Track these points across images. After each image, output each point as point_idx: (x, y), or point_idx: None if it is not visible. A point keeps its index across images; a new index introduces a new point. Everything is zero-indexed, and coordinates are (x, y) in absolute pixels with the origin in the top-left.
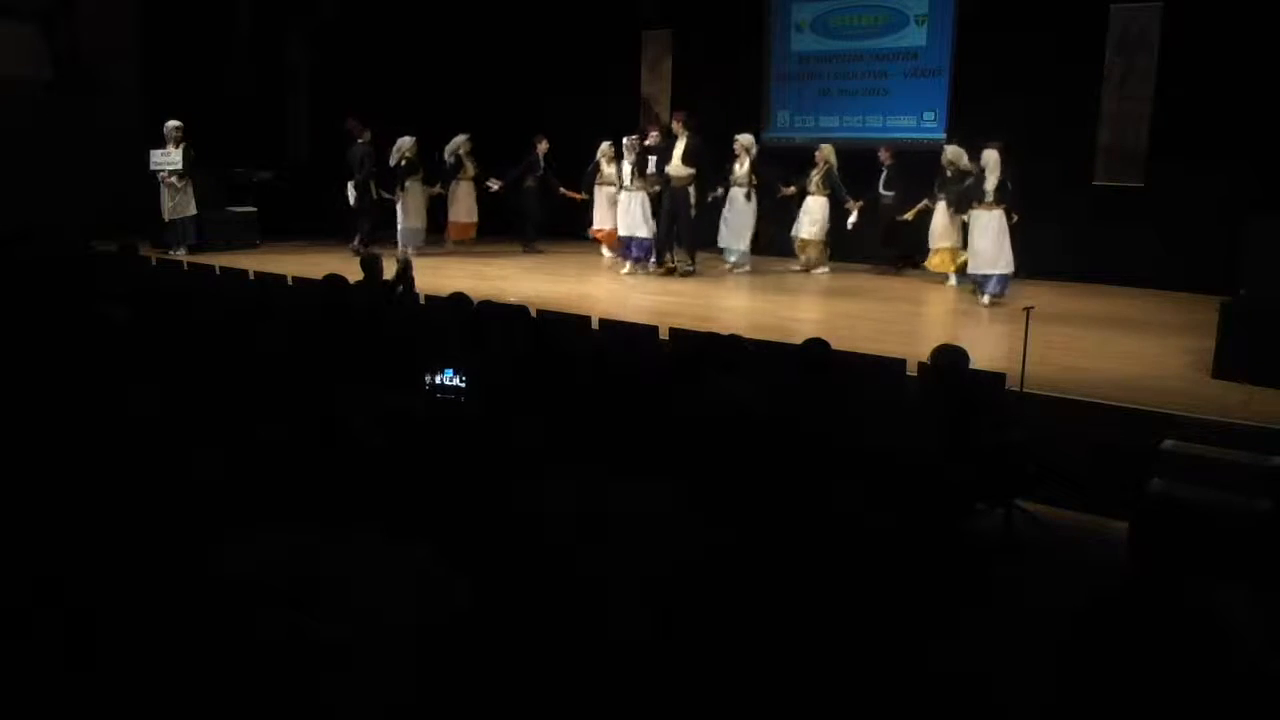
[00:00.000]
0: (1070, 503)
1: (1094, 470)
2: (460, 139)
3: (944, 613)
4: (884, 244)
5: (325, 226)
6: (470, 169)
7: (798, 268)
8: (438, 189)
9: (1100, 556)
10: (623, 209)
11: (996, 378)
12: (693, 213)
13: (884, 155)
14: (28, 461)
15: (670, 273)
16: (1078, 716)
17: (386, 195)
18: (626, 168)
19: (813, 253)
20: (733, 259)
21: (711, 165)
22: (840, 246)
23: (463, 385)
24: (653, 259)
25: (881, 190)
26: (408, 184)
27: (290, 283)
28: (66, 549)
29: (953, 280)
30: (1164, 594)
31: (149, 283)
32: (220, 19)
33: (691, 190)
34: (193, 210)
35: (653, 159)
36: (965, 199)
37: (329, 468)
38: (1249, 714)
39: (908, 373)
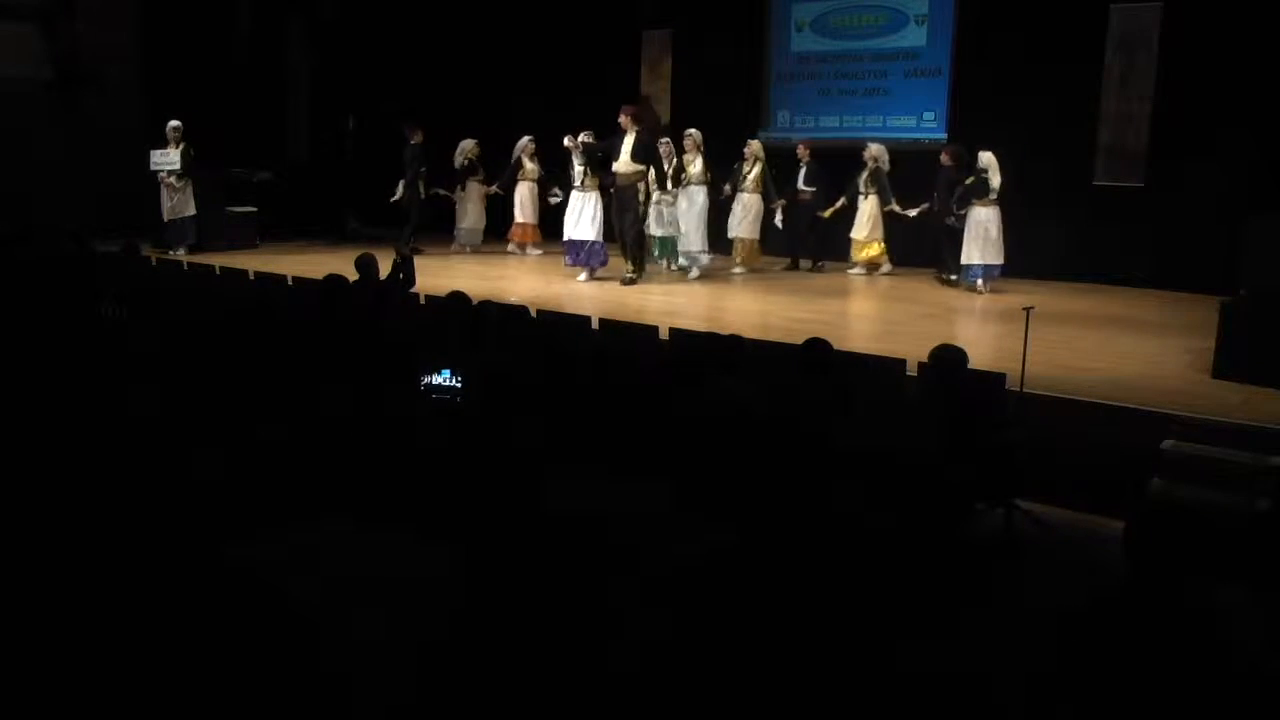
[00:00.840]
0: (1070, 503)
1: (1094, 470)
2: (524, 140)
3: (944, 613)
4: (802, 240)
5: (325, 227)
6: (532, 170)
7: (733, 270)
8: (495, 189)
9: (1100, 556)
10: (572, 210)
11: (996, 378)
12: (641, 211)
13: (801, 151)
14: (28, 460)
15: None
16: (1077, 717)
17: (443, 193)
18: (578, 167)
19: (745, 251)
20: (698, 263)
21: (661, 164)
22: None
23: (458, 386)
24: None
25: (801, 186)
26: (467, 185)
27: (290, 283)
28: (67, 548)
29: (886, 266)
30: (1161, 594)
31: (149, 283)
32: (220, 19)
33: (641, 189)
34: (192, 210)
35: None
36: (967, 197)
37: (328, 468)
38: (1249, 714)
39: (908, 373)
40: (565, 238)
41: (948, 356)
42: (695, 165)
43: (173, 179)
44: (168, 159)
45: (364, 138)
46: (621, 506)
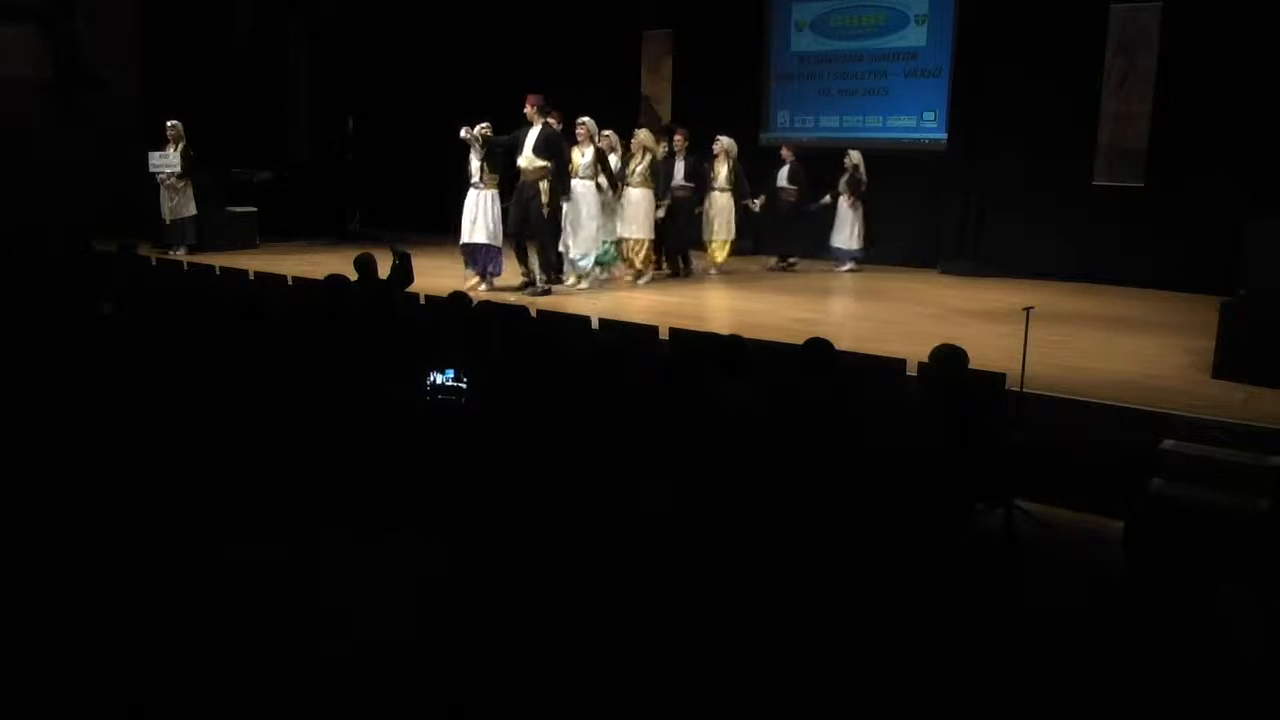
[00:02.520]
0: (1070, 503)
1: (1094, 470)
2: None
3: (944, 613)
4: (675, 237)
5: (325, 227)
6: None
7: (627, 277)
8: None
9: (1100, 556)
10: (468, 211)
11: (996, 378)
12: (545, 213)
13: (679, 142)
14: (28, 460)
15: (526, 286)
16: (1077, 716)
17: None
18: (475, 163)
19: (637, 255)
20: (579, 266)
21: (566, 160)
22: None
23: (463, 386)
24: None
25: (682, 181)
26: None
27: (290, 283)
28: (67, 548)
29: (714, 271)
30: (1161, 594)
31: (149, 283)
32: (220, 19)
33: (544, 187)
34: (193, 210)
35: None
36: (853, 190)
37: (328, 468)
38: (1249, 714)
39: (908, 373)
40: (461, 241)
41: (949, 356)
42: (583, 157)
43: (173, 179)
44: (167, 160)
45: (364, 138)
46: (621, 507)
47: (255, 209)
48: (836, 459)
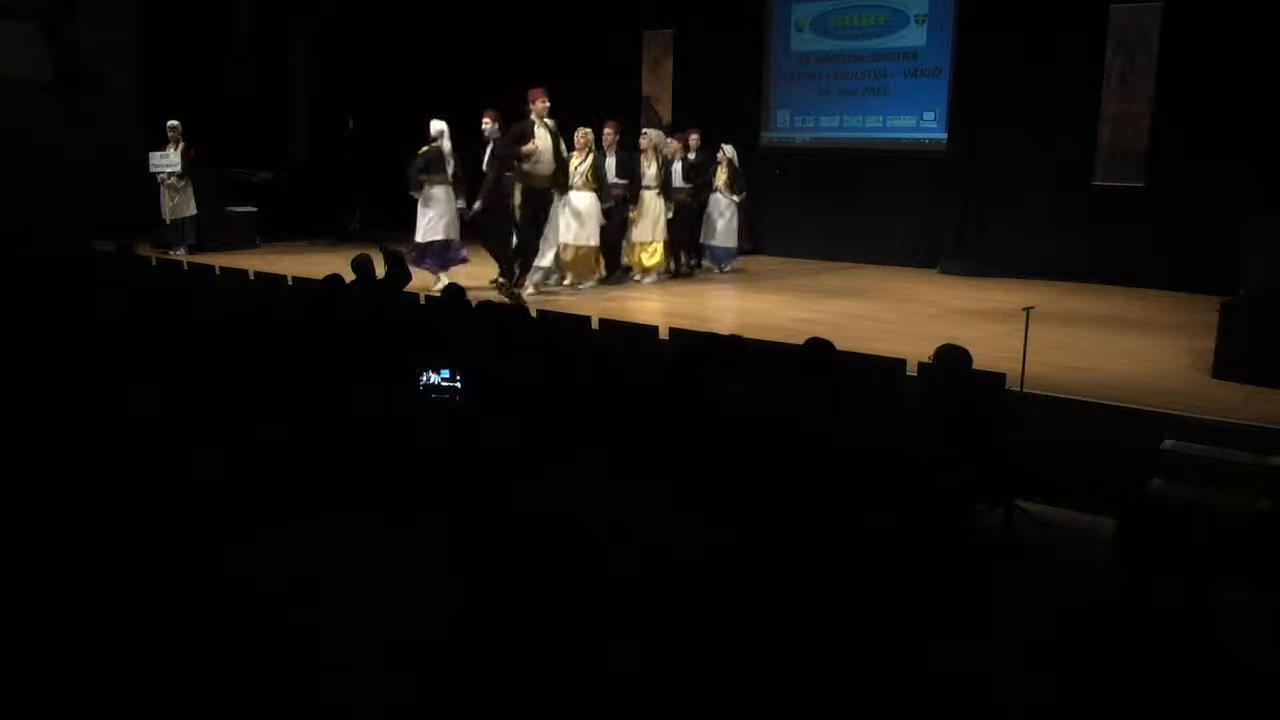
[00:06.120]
0: (1070, 503)
1: (1094, 470)
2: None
3: (944, 613)
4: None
5: (325, 227)
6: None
7: (565, 283)
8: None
9: (1100, 556)
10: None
11: (996, 378)
12: (517, 215)
13: (607, 136)
14: (28, 460)
15: (501, 289)
16: (1077, 717)
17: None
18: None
19: (583, 263)
20: (538, 277)
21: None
22: None
23: (457, 385)
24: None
25: (613, 179)
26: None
27: (290, 283)
28: (66, 548)
29: (653, 277)
30: (1153, 594)
31: (149, 283)
32: (220, 19)
33: (517, 194)
34: (193, 210)
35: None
36: (733, 185)
37: (328, 468)
38: (1248, 714)
39: (908, 373)
40: (417, 239)
41: (952, 356)
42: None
43: (173, 179)
44: (167, 160)
45: (364, 138)
46: (621, 506)
47: (255, 209)
48: (836, 459)
